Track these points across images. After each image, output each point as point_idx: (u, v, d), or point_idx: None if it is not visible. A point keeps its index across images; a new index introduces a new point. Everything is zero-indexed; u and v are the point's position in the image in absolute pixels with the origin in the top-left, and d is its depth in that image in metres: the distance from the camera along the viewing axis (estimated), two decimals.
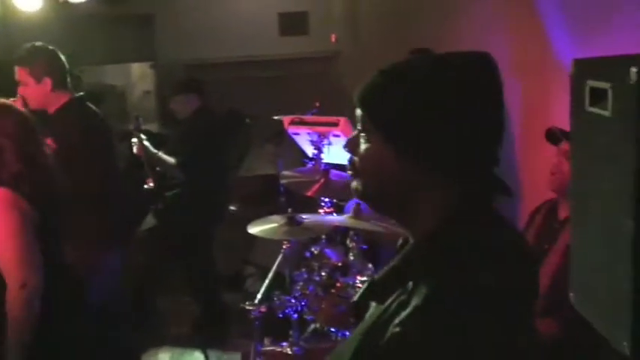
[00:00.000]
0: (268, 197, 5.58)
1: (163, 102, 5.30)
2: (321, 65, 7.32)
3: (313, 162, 3.92)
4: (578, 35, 3.08)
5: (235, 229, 4.31)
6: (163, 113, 5.70)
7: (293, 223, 3.16)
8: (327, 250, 3.62)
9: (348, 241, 3.48)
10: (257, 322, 3.14)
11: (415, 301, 1.19)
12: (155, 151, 4.51)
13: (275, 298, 3.21)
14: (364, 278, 3.21)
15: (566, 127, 1.85)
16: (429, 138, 1.24)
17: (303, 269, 3.41)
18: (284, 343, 3.21)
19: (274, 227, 3.17)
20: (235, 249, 5.37)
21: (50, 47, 3.57)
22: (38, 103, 3.48)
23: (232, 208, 5.61)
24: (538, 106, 3.39)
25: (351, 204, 3.48)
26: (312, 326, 3.31)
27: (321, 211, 3.83)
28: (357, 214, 3.09)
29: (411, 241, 1.35)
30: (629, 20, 2.66)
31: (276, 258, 3.49)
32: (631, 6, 2.67)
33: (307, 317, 3.22)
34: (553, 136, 2.76)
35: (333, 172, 3.67)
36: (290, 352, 3.15)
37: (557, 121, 2.78)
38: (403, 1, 5.47)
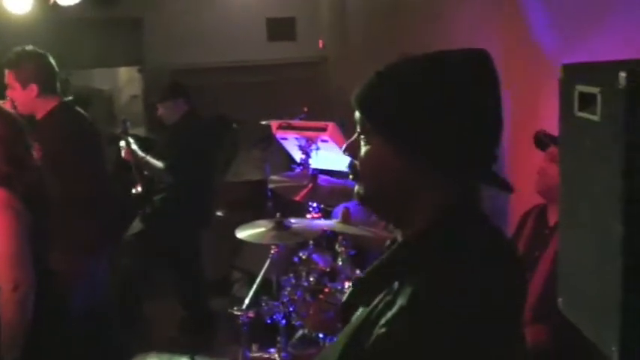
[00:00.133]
0: (255, 202, 5.56)
1: (151, 108, 5.27)
2: (308, 71, 7.31)
3: (301, 167, 3.92)
4: (567, 39, 3.10)
5: (223, 234, 4.30)
6: (151, 118, 5.66)
7: (281, 227, 3.15)
8: (315, 256, 3.60)
9: (336, 247, 3.46)
10: (245, 328, 3.13)
11: (400, 301, 1.19)
12: (143, 154, 4.49)
13: (263, 304, 3.19)
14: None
15: (556, 132, 1.86)
16: (428, 137, 1.24)
17: (291, 274, 3.39)
18: (272, 349, 3.19)
19: (262, 232, 3.17)
20: (223, 254, 5.35)
21: (40, 52, 3.50)
22: (25, 109, 3.44)
23: (219, 213, 5.59)
24: (527, 111, 3.40)
25: (339, 209, 3.47)
26: (300, 332, 3.29)
27: (308, 216, 3.83)
28: (346, 219, 3.09)
29: (399, 240, 1.34)
30: (618, 24, 2.68)
31: (264, 263, 3.48)
32: (620, 10, 2.69)
33: (295, 323, 3.20)
34: (540, 141, 2.76)
35: (321, 177, 3.65)
36: (278, 358, 3.13)
37: (546, 126, 2.79)
38: (390, 7, 5.48)
